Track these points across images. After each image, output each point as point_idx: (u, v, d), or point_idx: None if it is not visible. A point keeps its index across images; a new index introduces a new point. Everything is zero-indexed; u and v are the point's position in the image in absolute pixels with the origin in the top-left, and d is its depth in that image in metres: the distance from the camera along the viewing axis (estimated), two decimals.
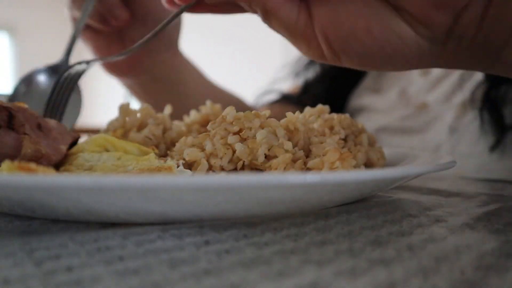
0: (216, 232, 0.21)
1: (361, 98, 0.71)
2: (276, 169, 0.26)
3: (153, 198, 0.20)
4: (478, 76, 0.56)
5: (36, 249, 0.18)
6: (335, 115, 0.32)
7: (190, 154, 0.28)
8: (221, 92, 0.71)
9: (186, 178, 0.19)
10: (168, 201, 0.20)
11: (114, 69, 0.55)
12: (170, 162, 0.28)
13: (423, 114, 0.62)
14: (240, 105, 0.72)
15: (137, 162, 0.28)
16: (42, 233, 0.21)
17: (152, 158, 0.29)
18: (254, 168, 0.27)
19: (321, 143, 0.29)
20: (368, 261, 0.17)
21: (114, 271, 0.16)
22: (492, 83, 0.53)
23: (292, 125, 0.29)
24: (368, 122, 0.66)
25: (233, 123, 0.28)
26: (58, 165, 0.30)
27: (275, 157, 0.27)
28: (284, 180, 0.20)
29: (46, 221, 0.23)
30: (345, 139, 0.32)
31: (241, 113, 0.28)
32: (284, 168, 0.26)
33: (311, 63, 0.76)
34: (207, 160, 0.28)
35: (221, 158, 0.27)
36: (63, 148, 0.30)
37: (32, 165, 0.21)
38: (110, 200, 0.19)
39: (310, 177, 0.20)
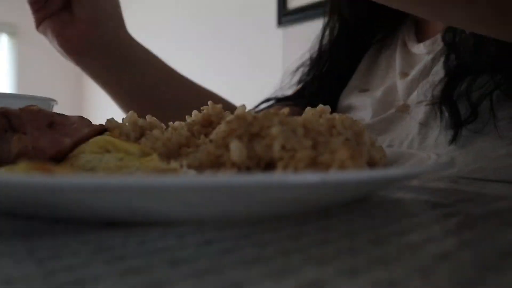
0: (217, 231, 0.21)
1: (349, 98, 0.73)
2: (291, 162, 0.26)
3: (155, 198, 0.20)
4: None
5: (37, 249, 0.18)
6: (336, 115, 0.32)
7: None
8: (180, 78, 0.72)
9: (187, 178, 0.19)
10: (169, 201, 0.20)
11: (68, 45, 0.58)
12: (173, 164, 0.28)
13: (404, 115, 0.64)
14: (203, 94, 0.73)
15: (140, 163, 0.28)
16: (43, 233, 0.21)
17: (155, 159, 0.29)
18: (274, 165, 0.27)
19: (327, 143, 0.29)
20: (368, 260, 0.17)
21: (115, 271, 0.16)
22: (451, 79, 0.55)
23: (309, 124, 0.29)
24: None
25: (254, 123, 0.28)
26: (58, 161, 0.30)
27: (293, 150, 0.27)
28: (285, 180, 0.20)
29: (47, 221, 0.23)
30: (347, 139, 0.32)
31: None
32: (297, 164, 0.26)
33: (311, 69, 0.77)
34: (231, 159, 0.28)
35: (250, 158, 0.27)
36: (67, 140, 0.30)
37: (50, 166, 0.21)
38: (111, 200, 0.19)
39: (311, 177, 0.20)
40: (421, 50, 0.68)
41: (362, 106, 0.70)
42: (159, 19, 2.95)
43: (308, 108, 0.34)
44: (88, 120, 0.34)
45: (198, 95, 0.72)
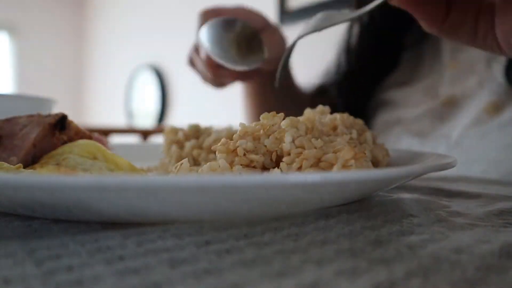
0: (217, 231, 0.21)
1: (387, 92, 0.71)
2: (296, 159, 0.26)
3: (154, 198, 0.20)
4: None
5: (37, 249, 0.18)
6: (337, 115, 0.32)
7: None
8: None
9: (186, 178, 0.19)
10: (168, 201, 0.20)
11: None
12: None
13: (452, 110, 0.61)
14: None
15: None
16: (42, 233, 0.21)
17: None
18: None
19: (331, 142, 0.29)
20: (368, 261, 0.17)
21: (114, 271, 0.16)
22: None
23: (310, 124, 0.28)
24: (391, 117, 0.66)
25: (256, 127, 0.28)
26: (35, 161, 0.29)
27: (302, 147, 0.26)
28: (285, 180, 0.20)
29: (46, 221, 0.23)
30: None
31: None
32: (302, 163, 0.26)
33: (339, 67, 0.77)
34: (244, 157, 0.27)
35: (263, 155, 0.27)
36: (14, 159, 0.28)
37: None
38: (111, 200, 0.19)
39: (311, 177, 0.20)
40: None
41: (398, 100, 0.68)
42: (160, 19, 2.96)
43: (308, 109, 0.34)
44: (38, 114, 0.31)
45: None
